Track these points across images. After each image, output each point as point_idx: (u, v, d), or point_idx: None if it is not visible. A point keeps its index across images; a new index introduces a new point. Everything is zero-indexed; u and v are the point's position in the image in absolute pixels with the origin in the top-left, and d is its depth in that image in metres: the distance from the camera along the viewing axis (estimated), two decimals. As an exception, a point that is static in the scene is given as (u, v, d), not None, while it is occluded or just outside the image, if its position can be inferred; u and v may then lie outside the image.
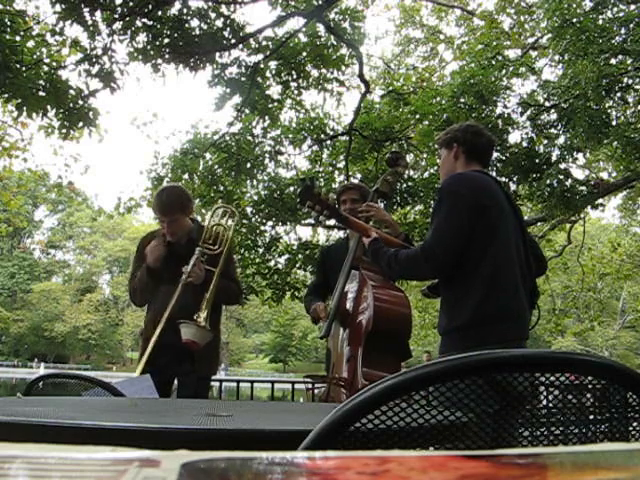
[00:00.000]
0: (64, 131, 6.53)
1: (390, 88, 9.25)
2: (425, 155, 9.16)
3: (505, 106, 8.26)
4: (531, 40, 11.01)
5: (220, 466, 0.31)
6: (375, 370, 2.53)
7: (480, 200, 2.18)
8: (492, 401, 0.85)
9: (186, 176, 8.62)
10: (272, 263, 9.32)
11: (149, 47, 6.27)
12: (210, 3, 6.62)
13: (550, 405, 0.91)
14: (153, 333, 2.94)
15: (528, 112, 8.26)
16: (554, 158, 8.21)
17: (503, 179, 7.89)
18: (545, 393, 0.89)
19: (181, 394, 3.04)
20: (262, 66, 7.45)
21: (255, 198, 8.98)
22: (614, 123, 7.78)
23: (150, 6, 6.13)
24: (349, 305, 2.81)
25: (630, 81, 7.53)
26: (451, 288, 2.21)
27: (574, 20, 7.51)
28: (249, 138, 8.63)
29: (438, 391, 0.82)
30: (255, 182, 8.95)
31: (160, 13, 6.31)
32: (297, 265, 9.14)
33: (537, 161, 8.06)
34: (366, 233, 2.51)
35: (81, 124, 6.51)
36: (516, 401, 0.88)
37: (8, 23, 5.94)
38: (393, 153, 3.13)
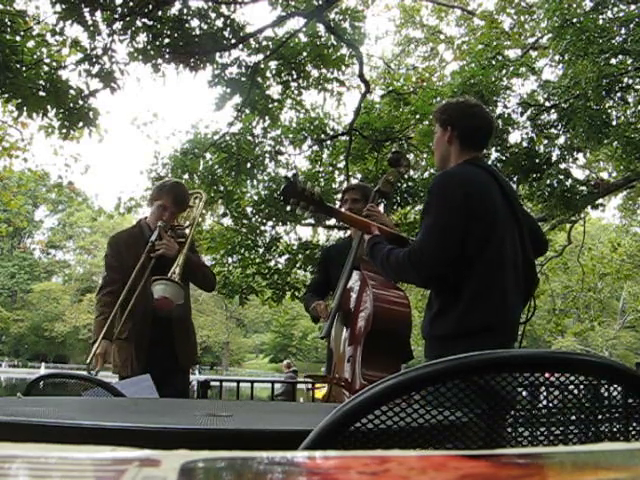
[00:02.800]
0: (64, 131, 6.53)
1: (390, 88, 9.25)
2: (425, 155, 9.15)
3: (505, 106, 8.26)
4: (531, 40, 11.01)
5: (220, 466, 0.31)
6: (375, 370, 2.53)
7: (471, 199, 2.09)
8: (492, 401, 0.85)
9: (186, 176, 8.62)
10: (272, 263, 9.33)
11: (149, 47, 6.27)
12: (210, 3, 6.62)
13: (550, 405, 0.91)
14: (137, 333, 2.93)
15: (528, 112, 8.26)
16: (554, 158, 8.21)
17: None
18: (545, 393, 0.89)
19: (166, 393, 2.98)
20: (262, 66, 7.45)
21: (255, 198, 8.98)
22: (614, 123, 7.78)
23: (150, 6, 6.13)
24: (350, 305, 2.81)
25: (630, 81, 7.53)
26: (439, 292, 2.13)
27: (574, 20, 7.51)
28: (249, 138, 8.63)
29: (438, 391, 0.82)
30: (255, 182, 8.95)
31: (160, 13, 6.31)
32: (297, 265, 9.15)
33: (537, 161, 8.06)
34: (358, 224, 2.47)
35: (81, 124, 6.51)
36: (516, 401, 0.88)
37: (8, 23, 5.94)
38: (395, 153, 3.08)
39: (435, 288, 2.17)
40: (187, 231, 3.04)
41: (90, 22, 6.01)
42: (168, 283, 2.74)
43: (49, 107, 6.15)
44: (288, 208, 2.52)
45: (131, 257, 2.96)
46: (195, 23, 6.55)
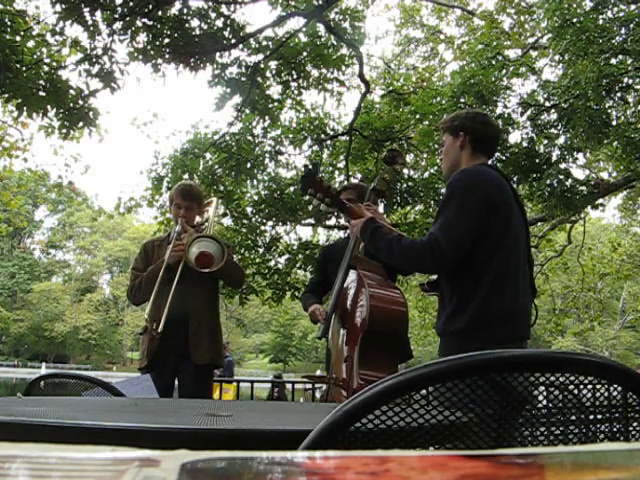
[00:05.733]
0: (64, 131, 6.53)
1: (390, 88, 9.24)
2: (425, 155, 9.15)
3: (505, 106, 8.26)
4: (531, 40, 11.01)
5: (220, 466, 0.31)
6: (372, 370, 2.53)
7: (491, 197, 2.13)
8: (492, 401, 0.85)
9: (186, 176, 8.62)
10: (272, 263, 9.31)
11: (149, 47, 6.26)
12: (210, 3, 6.62)
13: (550, 405, 0.91)
14: (152, 327, 2.92)
15: (528, 112, 8.26)
16: (554, 158, 8.20)
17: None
18: (545, 393, 0.89)
19: (182, 393, 3.02)
20: (262, 66, 7.44)
21: (255, 198, 8.98)
22: (614, 123, 7.78)
23: (150, 6, 6.13)
24: (346, 305, 2.81)
25: (630, 81, 7.53)
26: (456, 287, 2.17)
27: (574, 20, 7.50)
28: (249, 138, 8.63)
29: (438, 391, 0.82)
30: (255, 182, 8.95)
31: (160, 13, 6.31)
32: (297, 265, 9.14)
33: (537, 161, 8.05)
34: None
35: (81, 124, 6.50)
36: (516, 401, 0.88)
37: (8, 23, 5.94)
38: (390, 151, 3.10)
39: (450, 287, 2.20)
40: (205, 225, 3.20)
41: (90, 22, 6.01)
42: (211, 241, 2.77)
43: (49, 107, 6.15)
44: (307, 198, 2.60)
45: (157, 256, 3.12)
46: (195, 23, 6.55)
